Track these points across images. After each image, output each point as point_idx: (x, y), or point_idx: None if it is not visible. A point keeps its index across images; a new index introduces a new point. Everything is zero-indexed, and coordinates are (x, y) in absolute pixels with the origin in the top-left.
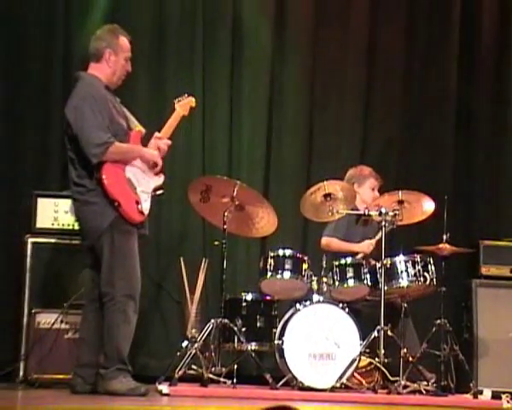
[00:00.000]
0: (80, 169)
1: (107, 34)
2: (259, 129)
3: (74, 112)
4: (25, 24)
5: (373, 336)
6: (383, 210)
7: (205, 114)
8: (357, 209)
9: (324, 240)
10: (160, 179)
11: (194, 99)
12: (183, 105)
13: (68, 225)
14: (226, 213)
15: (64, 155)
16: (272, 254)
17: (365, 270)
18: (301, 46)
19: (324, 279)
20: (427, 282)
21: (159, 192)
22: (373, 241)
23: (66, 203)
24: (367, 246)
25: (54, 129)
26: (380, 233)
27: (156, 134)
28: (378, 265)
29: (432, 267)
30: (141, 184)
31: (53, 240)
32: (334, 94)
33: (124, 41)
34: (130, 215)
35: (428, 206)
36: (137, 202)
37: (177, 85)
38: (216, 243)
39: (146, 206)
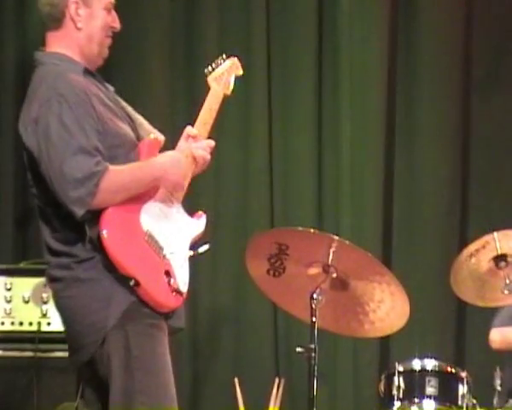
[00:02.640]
0: (59, 226)
1: None
2: (370, 149)
3: (34, 128)
4: None
5: None
6: None
7: (272, 129)
8: None
9: (495, 332)
10: (200, 223)
11: (237, 61)
12: (222, 77)
13: (31, 323)
14: (316, 295)
15: (24, 202)
16: (402, 369)
17: None
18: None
19: None
20: None
21: (201, 250)
22: None
23: (27, 284)
24: None
25: (5, 158)
26: None
27: (188, 129)
28: None
29: None
30: (170, 239)
31: (3, 352)
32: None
33: None
34: (156, 299)
35: None
36: (168, 273)
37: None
38: (298, 349)
39: (183, 277)
